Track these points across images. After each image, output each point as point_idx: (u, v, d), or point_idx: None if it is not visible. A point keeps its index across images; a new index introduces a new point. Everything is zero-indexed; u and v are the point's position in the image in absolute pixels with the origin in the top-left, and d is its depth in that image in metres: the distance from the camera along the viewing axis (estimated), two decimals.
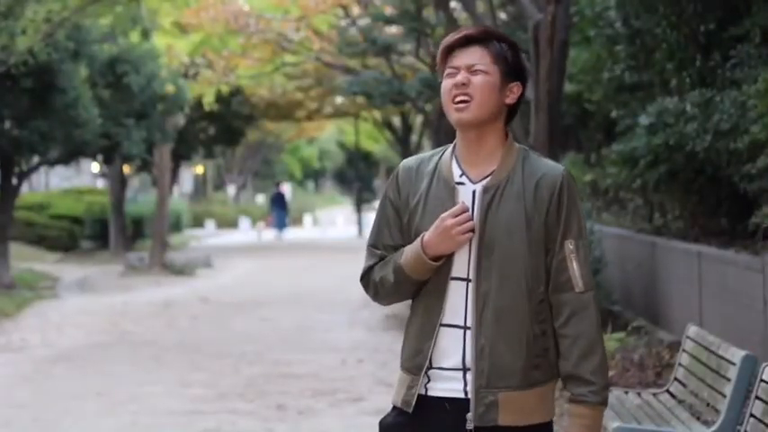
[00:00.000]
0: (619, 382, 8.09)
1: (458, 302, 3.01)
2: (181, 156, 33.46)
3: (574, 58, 12.95)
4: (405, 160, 3.18)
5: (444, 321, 3.01)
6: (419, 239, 3.00)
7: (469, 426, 2.96)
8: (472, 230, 2.97)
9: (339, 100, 33.52)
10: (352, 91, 20.36)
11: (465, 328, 3.00)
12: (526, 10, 10.26)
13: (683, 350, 6.44)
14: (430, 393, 3.02)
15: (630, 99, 12.15)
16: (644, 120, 9.84)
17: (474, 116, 3.00)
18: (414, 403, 3.02)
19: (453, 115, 3.01)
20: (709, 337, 6.14)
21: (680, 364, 6.46)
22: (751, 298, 7.70)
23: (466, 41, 3.04)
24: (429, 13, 19.58)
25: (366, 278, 3.14)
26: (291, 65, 28.53)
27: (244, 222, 42.30)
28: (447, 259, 3.00)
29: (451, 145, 3.12)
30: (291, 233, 39.44)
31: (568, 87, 13.42)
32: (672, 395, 6.41)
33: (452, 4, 16.67)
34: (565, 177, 3.00)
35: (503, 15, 16.45)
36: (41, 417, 8.31)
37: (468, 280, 3.00)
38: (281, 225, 38.52)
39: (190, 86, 24.64)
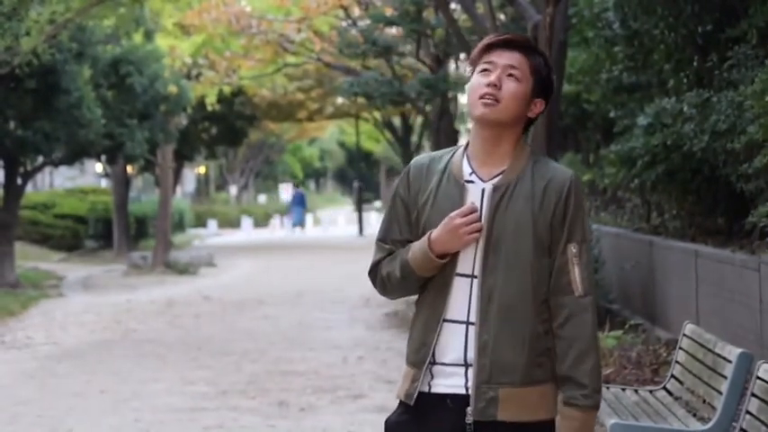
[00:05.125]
0: (616, 380, 8.14)
1: (461, 298, 3.04)
2: (183, 156, 33.54)
3: (572, 59, 13.01)
4: (417, 157, 3.22)
5: (447, 317, 3.05)
6: (426, 236, 3.04)
7: (468, 419, 2.99)
8: (479, 231, 3.01)
9: (340, 100, 33.59)
10: (352, 92, 20.42)
11: (468, 323, 3.03)
12: (525, 11, 10.34)
13: (680, 348, 6.44)
14: (433, 390, 3.06)
15: (628, 100, 12.22)
16: (642, 120, 9.90)
17: (497, 117, 3.03)
18: (415, 396, 3.06)
19: (478, 110, 3.04)
20: (706, 335, 6.15)
21: (677, 362, 6.46)
22: (747, 296, 7.76)
23: (509, 44, 3.07)
24: (429, 15, 19.66)
25: (374, 272, 3.18)
26: (293, 66, 28.63)
27: (246, 222, 42.37)
28: (453, 256, 3.04)
29: (463, 145, 3.17)
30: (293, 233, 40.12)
31: (567, 88, 13.48)
32: (669, 392, 6.42)
33: (452, 6, 16.74)
34: (573, 182, 3.05)
35: (502, 17, 16.51)
36: (46, 413, 8.36)
37: (473, 276, 3.04)
38: (299, 221, 41.53)
39: (192, 87, 24.72)
